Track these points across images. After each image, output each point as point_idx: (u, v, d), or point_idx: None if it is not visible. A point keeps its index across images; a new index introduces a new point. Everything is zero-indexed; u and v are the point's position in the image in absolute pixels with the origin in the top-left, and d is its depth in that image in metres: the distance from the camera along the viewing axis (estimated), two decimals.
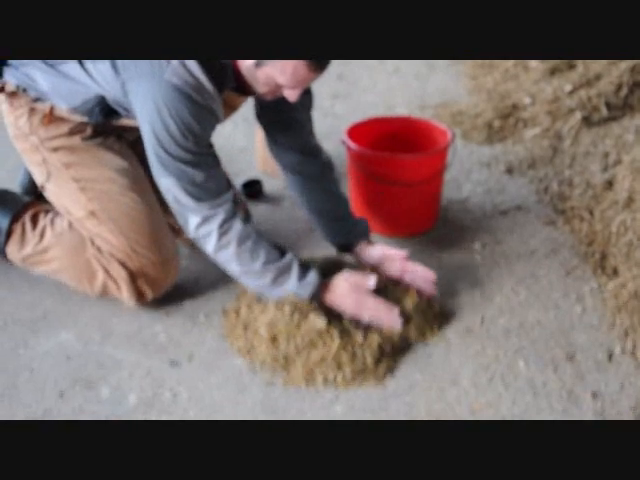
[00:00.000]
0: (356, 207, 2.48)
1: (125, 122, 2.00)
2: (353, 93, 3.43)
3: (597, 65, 3.11)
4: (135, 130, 1.96)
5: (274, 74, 1.75)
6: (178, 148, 1.79)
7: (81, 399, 1.80)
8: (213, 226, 1.86)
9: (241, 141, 3.02)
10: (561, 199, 2.58)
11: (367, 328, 1.94)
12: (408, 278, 2.09)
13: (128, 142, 2.18)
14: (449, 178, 2.67)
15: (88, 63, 1.91)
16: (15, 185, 2.35)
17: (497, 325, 2.03)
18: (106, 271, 2.06)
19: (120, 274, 2.04)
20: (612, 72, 3.03)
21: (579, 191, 2.57)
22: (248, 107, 2.25)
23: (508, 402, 1.78)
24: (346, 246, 2.19)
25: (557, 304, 2.11)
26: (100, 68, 1.88)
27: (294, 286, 1.92)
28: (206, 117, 1.80)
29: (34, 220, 2.14)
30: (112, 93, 1.90)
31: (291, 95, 1.83)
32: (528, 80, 3.20)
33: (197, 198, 1.84)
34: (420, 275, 2.08)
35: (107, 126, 2.07)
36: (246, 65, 1.80)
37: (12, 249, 2.13)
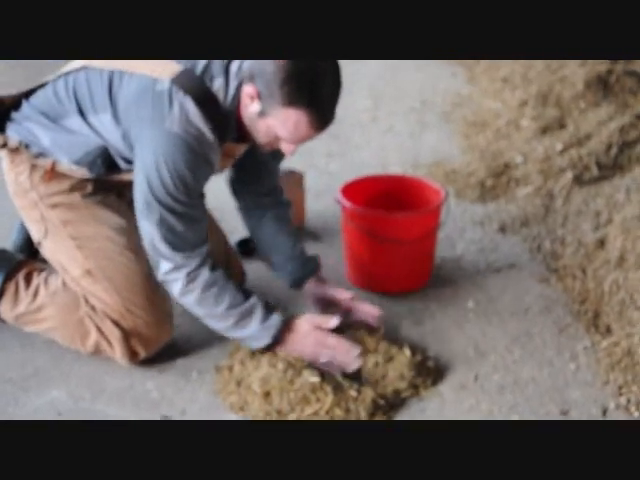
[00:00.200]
0: (350, 264, 2.51)
1: (126, 177, 2.03)
2: (347, 152, 3.49)
3: (587, 125, 3.17)
4: None
5: (275, 126, 1.80)
6: (168, 196, 1.83)
7: None
8: (181, 274, 1.91)
9: None
10: (554, 257, 2.62)
11: (360, 384, 1.96)
12: (355, 316, 2.16)
13: (128, 200, 2.21)
14: (443, 236, 2.71)
15: (90, 116, 1.95)
16: (8, 243, 2.37)
17: (491, 381, 2.05)
18: (99, 330, 2.07)
19: (113, 333, 2.05)
20: (602, 132, 3.10)
21: (571, 250, 2.61)
22: None
23: None
24: (297, 282, 2.25)
25: (551, 362, 2.13)
26: (102, 119, 1.93)
27: (256, 329, 1.97)
28: (202, 168, 1.85)
29: (28, 279, 2.15)
30: (113, 143, 1.95)
31: (287, 149, 1.88)
32: (520, 139, 3.26)
33: (173, 247, 1.88)
34: (366, 311, 2.15)
35: (108, 182, 2.10)
36: (249, 114, 1.84)
37: (5, 308, 2.14)
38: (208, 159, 1.84)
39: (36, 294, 2.12)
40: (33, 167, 2.06)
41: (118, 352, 2.07)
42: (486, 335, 2.24)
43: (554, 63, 3.65)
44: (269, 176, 2.25)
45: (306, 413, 1.87)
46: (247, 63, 1.81)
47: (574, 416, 1.92)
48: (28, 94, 2.10)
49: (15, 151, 2.07)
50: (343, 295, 2.17)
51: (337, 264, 2.58)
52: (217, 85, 1.84)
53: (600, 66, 3.47)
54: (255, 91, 1.78)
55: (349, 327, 2.11)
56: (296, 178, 2.81)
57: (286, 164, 2.90)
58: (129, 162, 1.97)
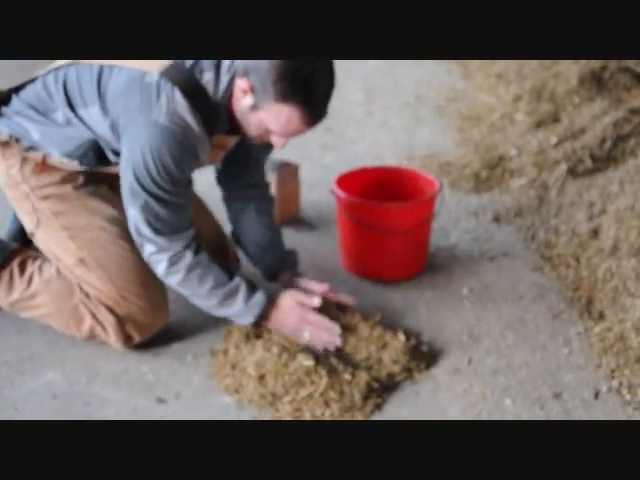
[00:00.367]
0: (345, 253, 2.53)
1: (116, 170, 2.04)
2: (342, 145, 3.52)
3: (581, 119, 3.20)
4: None
5: (267, 120, 1.82)
6: (152, 184, 1.85)
7: None
8: (164, 256, 1.95)
9: None
10: (548, 247, 2.64)
11: (355, 366, 1.98)
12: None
13: (120, 191, 2.23)
14: (437, 226, 2.73)
15: (80, 109, 1.97)
16: (2, 232, 2.38)
17: (485, 365, 2.07)
18: (93, 316, 2.08)
19: (108, 319, 2.07)
20: (596, 126, 3.12)
21: (565, 239, 2.63)
22: None
23: None
24: (272, 274, 2.28)
25: (544, 346, 2.15)
26: (90, 112, 1.95)
27: (241, 308, 2.02)
28: (187, 159, 1.87)
29: (22, 266, 2.16)
30: (102, 134, 1.97)
31: (278, 142, 1.90)
32: (514, 133, 3.29)
33: (157, 232, 1.92)
34: (342, 301, 2.18)
35: (99, 174, 2.12)
36: (241, 107, 1.86)
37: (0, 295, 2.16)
38: (194, 151, 1.86)
39: (30, 281, 2.13)
40: (24, 160, 2.08)
41: (113, 337, 2.08)
42: (480, 321, 2.26)
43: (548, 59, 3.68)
44: (256, 169, 2.27)
45: (300, 396, 1.89)
46: None
47: (566, 398, 1.94)
48: (18, 89, 2.11)
49: (6, 145, 2.08)
50: (318, 288, 2.17)
51: (332, 253, 2.60)
52: (207, 78, 1.85)
53: (594, 62, 3.49)
54: (248, 85, 1.79)
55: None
56: (291, 169, 2.83)
57: (281, 156, 2.93)
58: (119, 155, 1.98)
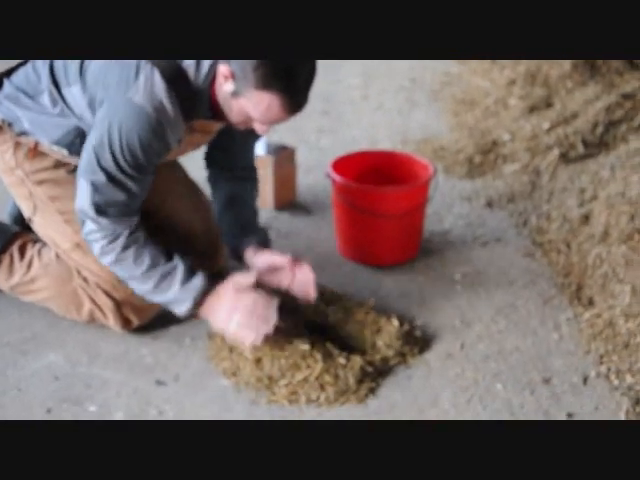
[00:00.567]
0: (341, 237, 2.55)
1: None
2: (338, 128, 3.52)
3: (574, 104, 3.21)
4: None
5: (248, 107, 1.78)
6: (112, 162, 1.81)
7: (68, 416, 1.85)
8: (100, 235, 1.89)
9: None
10: (539, 232, 2.66)
11: (349, 351, 2.01)
12: (293, 285, 2.05)
13: None
14: (431, 211, 2.75)
15: (64, 87, 1.94)
16: (4, 214, 2.40)
17: (476, 350, 2.10)
18: (92, 300, 2.10)
19: (106, 303, 2.09)
20: (588, 111, 3.13)
21: (557, 225, 2.65)
22: None
23: None
24: (238, 250, 2.14)
25: (535, 332, 2.18)
26: (72, 91, 1.93)
27: (177, 291, 1.91)
28: (154, 144, 1.82)
29: (22, 250, 2.17)
30: (83, 115, 1.94)
31: (261, 129, 1.86)
32: (508, 118, 3.30)
33: (99, 211, 1.87)
34: (302, 281, 2.04)
35: None
36: (222, 93, 1.82)
37: (0, 278, 2.17)
38: (164, 136, 1.81)
39: (30, 265, 2.15)
40: (17, 145, 2.07)
41: (111, 320, 2.10)
42: (472, 306, 2.29)
43: None
44: (242, 154, 2.22)
45: (296, 379, 1.92)
46: None
47: (556, 384, 1.97)
48: (10, 72, 2.10)
49: None
50: (282, 261, 2.05)
51: (328, 237, 2.62)
52: (188, 62, 1.81)
53: None
54: (229, 71, 1.76)
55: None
56: (288, 153, 2.84)
57: (278, 139, 2.94)
58: None
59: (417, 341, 2.11)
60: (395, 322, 2.11)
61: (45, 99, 1.98)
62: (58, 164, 2.08)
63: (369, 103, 3.83)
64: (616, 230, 2.41)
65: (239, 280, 1.96)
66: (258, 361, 1.96)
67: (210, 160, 2.24)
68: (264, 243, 2.16)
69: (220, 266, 2.30)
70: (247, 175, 2.24)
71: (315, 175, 3.01)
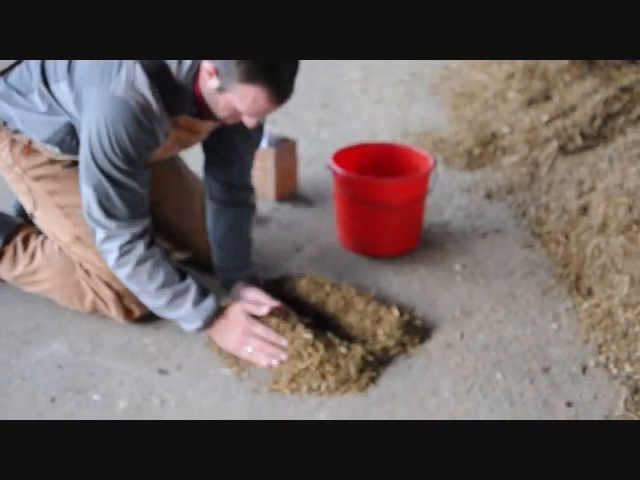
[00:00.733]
0: (342, 228, 2.54)
1: None
2: (338, 121, 3.51)
3: (572, 97, 3.20)
4: None
5: (234, 101, 1.77)
6: (106, 161, 1.80)
7: (72, 404, 1.84)
8: (115, 245, 1.89)
9: None
10: (538, 223, 2.66)
11: (350, 340, 2.00)
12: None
13: None
14: (431, 203, 2.74)
15: (52, 84, 1.93)
16: (9, 205, 2.40)
17: (476, 340, 2.09)
18: (94, 292, 2.10)
19: (107, 295, 2.08)
20: (586, 104, 3.12)
21: (555, 216, 2.65)
22: None
23: (486, 411, 1.83)
24: (228, 282, 2.17)
25: (534, 321, 2.17)
26: (60, 87, 1.91)
27: (188, 311, 1.96)
28: (142, 137, 1.80)
29: (25, 242, 2.17)
30: (71, 111, 1.93)
31: (249, 122, 1.84)
32: (507, 110, 3.29)
33: (108, 215, 1.86)
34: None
35: None
36: (208, 89, 1.81)
37: (4, 269, 2.17)
38: (150, 129, 1.80)
39: (33, 257, 2.14)
40: (13, 142, 2.07)
41: (114, 311, 2.10)
42: (472, 296, 2.28)
43: None
44: (240, 167, 2.18)
45: (298, 368, 1.91)
46: None
47: (555, 373, 1.96)
48: (5, 72, 2.09)
49: None
50: (271, 304, 2.04)
51: (329, 228, 2.62)
52: None
53: None
54: (213, 68, 1.74)
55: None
56: (289, 145, 2.83)
57: (279, 132, 2.93)
58: None
59: (417, 331, 2.11)
60: (395, 312, 2.10)
61: (35, 97, 1.97)
62: (53, 160, 2.08)
63: (369, 96, 3.82)
64: (614, 221, 2.40)
65: (251, 309, 2.00)
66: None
67: (208, 173, 2.21)
68: (254, 277, 2.18)
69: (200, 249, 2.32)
70: (245, 199, 2.22)
71: (316, 167, 3.00)
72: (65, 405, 1.84)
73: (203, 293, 1.98)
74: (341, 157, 2.53)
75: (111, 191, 1.84)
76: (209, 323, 1.98)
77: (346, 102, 3.74)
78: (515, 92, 3.38)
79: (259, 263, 2.28)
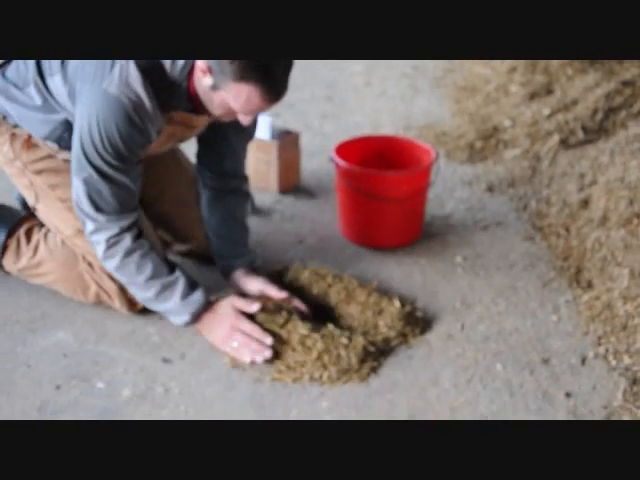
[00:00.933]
0: (344, 220, 2.55)
1: None
2: (341, 114, 3.51)
3: (574, 91, 3.20)
4: None
5: (228, 99, 1.77)
6: (97, 156, 1.81)
7: (77, 392, 1.85)
8: (102, 237, 1.91)
9: None
10: (539, 216, 2.66)
11: (352, 331, 2.01)
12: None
13: None
14: (433, 195, 2.75)
15: (47, 77, 1.93)
16: (11, 197, 2.40)
17: (477, 331, 2.10)
18: (98, 284, 2.10)
19: (111, 287, 2.09)
20: (588, 98, 3.12)
21: (556, 209, 2.65)
22: None
23: (486, 401, 1.84)
24: (227, 269, 2.18)
25: (534, 313, 2.18)
26: (55, 80, 1.91)
27: (176, 304, 1.96)
28: (133, 134, 1.80)
29: (28, 234, 2.18)
30: (65, 105, 1.93)
31: (244, 119, 1.84)
32: (508, 104, 3.29)
33: (97, 208, 1.88)
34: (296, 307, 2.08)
35: None
36: (203, 87, 1.81)
37: (8, 261, 2.18)
38: (142, 127, 1.80)
39: (36, 249, 2.15)
40: (13, 136, 2.07)
41: (117, 303, 2.11)
42: (473, 288, 2.29)
43: None
44: (233, 158, 2.19)
45: (298, 360, 1.92)
46: None
47: (554, 364, 1.97)
48: (2, 66, 2.09)
49: None
50: (277, 294, 2.08)
51: (331, 220, 2.62)
52: None
53: None
54: (206, 66, 1.74)
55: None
56: (292, 138, 2.83)
57: (282, 124, 2.93)
58: None
59: (418, 322, 2.11)
60: (397, 303, 2.11)
61: (32, 90, 1.97)
62: (54, 153, 2.08)
63: (372, 89, 3.82)
64: (615, 214, 2.41)
65: (241, 305, 2.00)
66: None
67: (202, 164, 2.22)
68: (253, 265, 2.18)
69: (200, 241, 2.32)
70: (238, 186, 2.22)
71: (319, 160, 3.00)
72: (70, 393, 1.85)
73: (192, 286, 1.99)
74: (344, 150, 2.54)
75: (101, 186, 1.85)
76: (197, 317, 1.99)
77: (349, 95, 3.74)
78: (517, 86, 3.38)
79: (262, 255, 2.29)
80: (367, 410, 1.82)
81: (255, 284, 2.11)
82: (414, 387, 1.89)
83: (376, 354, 1.98)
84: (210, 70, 1.74)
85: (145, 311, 2.12)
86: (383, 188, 2.41)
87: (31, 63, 1.97)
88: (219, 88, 1.76)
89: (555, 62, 3.40)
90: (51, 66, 1.93)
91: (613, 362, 1.97)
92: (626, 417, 1.78)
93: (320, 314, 2.10)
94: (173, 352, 2.01)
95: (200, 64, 1.76)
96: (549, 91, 3.30)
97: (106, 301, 2.12)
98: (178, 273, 1.98)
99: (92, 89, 1.78)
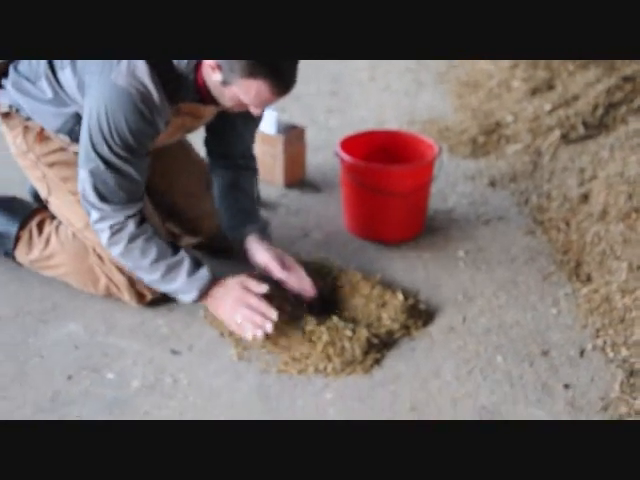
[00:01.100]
0: (348, 214, 2.56)
1: None
2: (346, 109, 3.53)
3: (575, 86, 3.21)
4: None
5: (239, 94, 1.79)
6: (105, 147, 1.82)
7: (87, 382, 1.88)
8: (106, 225, 1.91)
9: None
10: (540, 211, 2.67)
11: (356, 324, 2.03)
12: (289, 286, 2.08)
13: None
14: (436, 190, 2.76)
15: (58, 71, 1.95)
16: (24, 190, 2.42)
17: (478, 324, 2.12)
18: (108, 277, 2.12)
19: (120, 280, 2.11)
20: (589, 93, 3.13)
21: (557, 204, 2.66)
22: None
23: (486, 392, 1.86)
24: (240, 237, 2.14)
25: (534, 306, 2.19)
26: (65, 73, 1.92)
27: (183, 282, 1.96)
28: (141, 125, 1.81)
29: (40, 226, 2.19)
30: (76, 98, 1.94)
31: (255, 111, 1.86)
32: (510, 99, 3.30)
33: (102, 198, 1.88)
34: (293, 280, 2.07)
35: None
36: (212, 81, 1.83)
37: (20, 253, 2.20)
38: (150, 119, 1.81)
39: (48, 241, 2.17)
40: (26, 129, 2.09)
41: (126, 295, 2.13)
42: (474, 281, 2.30)
43: None
44: (243, 142, 2.21)
45: (304, 352, 1.94)
46: None
47: (554, 356, 1.99)
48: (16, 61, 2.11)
49: (8, 115, 2.10)
50: (277, 273, 2.07)
51: (336, 214, 2.64)
52: None
53: None
54: (215, 63, 1.76)
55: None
56: (297, 132, 2.85)
57: (288, 119, 2.94)
58: None
59: (421, 314, 2.13)
60: (400, 296, 2.12)
61: (43, 83, 1.99)
62: (66, 146, 2.10)
63: (377, 84, 3.83)
64: (614, 209, 2.42)
65: (249, 284, 1.99)
66: (267, 337, 1.98)
67: (209, 148, 2.24)
68: (264, 234, 2.16)
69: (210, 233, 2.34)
70: (246, 164, 2.23)
71: (324, 154, 3.02)
72: (81, 383, 1.87)
73: (197, 264, 1.98)
74: (348, 144, 2.55)
75: (108, 177, 1.85)
76: (205, 293, 1.98)
77: (354, 90, 3.75)
78: (519, 81, 3.39)
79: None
80: (370, 401, 1.84)
81: (262, 257, 2.08)
82: (416, 379, 1.91)
83: (379, 346, 2.00)
84: (219, 67, 1.76)
85: (154, 303, 2.15)
86: (387, 182, 2.42)
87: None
88: (229, 83, 1.78)
89: None
90: (62, 60, 1.94)
91: (611, 354, 1.98)
92: (623, 408, 1.80)
93: (325, 306, 2.11)
94: (181, 344, 2.03)
95: (209, 61, 1.78)
96: (550, 87, 3.30)
97: (115, 293, 2.14)
98: (183, 253, 1.98)
99: (100, 81, 1.79)
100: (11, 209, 2.22)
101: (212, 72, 1.79)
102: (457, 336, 2.07)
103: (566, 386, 1.88)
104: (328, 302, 2.13)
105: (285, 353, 1.95)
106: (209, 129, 2.21)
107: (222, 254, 2.28)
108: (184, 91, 1.88)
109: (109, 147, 1.82)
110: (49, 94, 1.99)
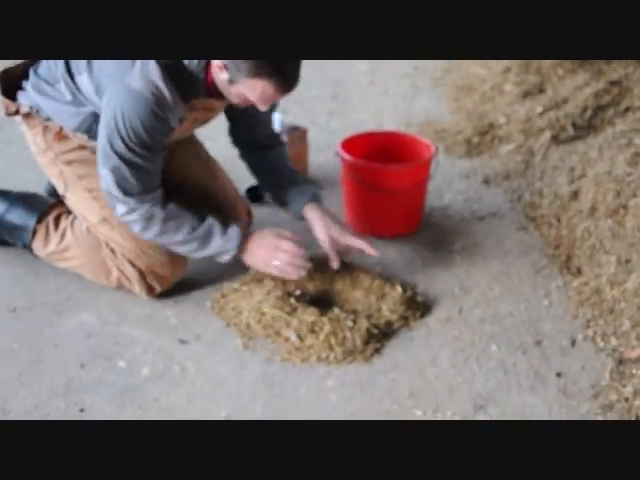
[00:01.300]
0: (349, 211, 2.54)
1: None
2: (346, 111, 3.50)
3: (564, 90, 3.18)
4: None
5: (245, 92, 1.80)
6: (123, 146, 1.82)
7: (100, 370, 1.86)
8: (137, 216, 1.92)
9: None
10: (532, 207, 2.65)
11: (356, 315, 2.01)
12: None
13: None
14: (432, 187, 2.73)
15: (76, 75, 1.94)
16: (41, 187, 2.41)
17: (473, 315, 2.09)
18: (119, 270, 2.11)
19: (131, 272, 2.09)
20: (578, 96, 3.10)
21: (548, 201, 2.64)
22: None
23: (482, 380, 1.84)
24: (298, 211, 2.16)
25: (527, 298, 2.17)
26: (83, 78, 1.92)
27: (219, 244, 1.98)
28: (155, 125, 1.82)
29: (57, 221, 2.19)
30: (94, 101, 1.94)
31: (262, 107, 1.86)
32: (503, 102, 3.27)
33: (125, 193, 1.89)
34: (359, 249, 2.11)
35: None
36: (220, 80, 1.83)
37: (37, 246, 2.19)
38: (163, 117, 1.81)
39: (63, 236, 2.16)
40: (45, 128, 2.08)
41: (137, 288, 2.11)
42: (470, 274, 2.28)
43: None
44: (260, 126, 2.21)
45: (307, 344, 1.92)
46: None
47: (546, 345, 1.96)
48: (35, 63, 2.10)
49: (28, 116, 2.08)
50: (342, 243, 2.11)
51: (337, 211, 2.58)
52: None
53: None
54: (222, 63, 1.77)
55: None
56: (300, 133, 2.82)
57: (291, 121, 2.92)
58: None
59: (419, 306, 2.11)
60: (399, 288, 2.10)
61: (62, 86, 1.98)
62: (83, 145, 2.08)
63: (376, 88, 3.80)
64: (603, 206, 2.39)
65: (281, 232, 2.03)
66: (267, 326, 1.96)
67: (234, 137, 2.26)
68: (317, 198, 2.18)
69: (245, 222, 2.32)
70: (272, 142, 2.25)
71: (325, 155, 2.99)
72: (93, 371, 1.86)
73: (226, 225, 2.01)
74: (349, 145, 2.53)
75: (127, 173, 1.86)
76: (241, 248, 2.00)
77: (354, 94, 3.72)
78: (512, 85, 3.36)
79: None
80: (370, 388, 1.82)
81: (321, 232, 2.11)
82: (415, 367, 1.89)
83: (379, 336, 1.98)
84: (226, 67, 1.77)
85: (163, 295, 2.13)
86: (386, 181, 2.40)
87: (60, 62, 1.98)
88: (235, 82, 1.78)
89: (547, 63, 3.38)
90: (78, 65, 1.94)
91: (601, 344, 1.96)
92: (613, 395, 1.77)
93: (327, 298, 2.09)
94: (189, 333, 2.00)
95: (216, 61, 1.78)
96: (541, 90, 3.28)
97: (127, 285, 2.12)
98: (210, 220, 1.99)
99: (116, 84, 1.79)
100: (30, 204, 2.22)
101: (220, 72, 1.80)
102: (453, 326, 2.04)
103: (558, 374, 1.85)
104: (330, 295, 2.11)
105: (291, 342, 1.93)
106: (231, 120, 2.22)
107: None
108: (196, 89, 1.88)
109: (126, 145, 1.82)
110: (67, 96, 1.98)
